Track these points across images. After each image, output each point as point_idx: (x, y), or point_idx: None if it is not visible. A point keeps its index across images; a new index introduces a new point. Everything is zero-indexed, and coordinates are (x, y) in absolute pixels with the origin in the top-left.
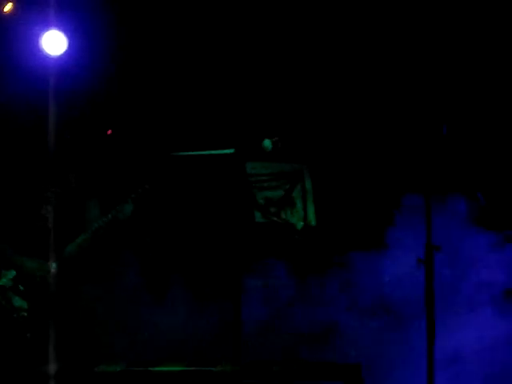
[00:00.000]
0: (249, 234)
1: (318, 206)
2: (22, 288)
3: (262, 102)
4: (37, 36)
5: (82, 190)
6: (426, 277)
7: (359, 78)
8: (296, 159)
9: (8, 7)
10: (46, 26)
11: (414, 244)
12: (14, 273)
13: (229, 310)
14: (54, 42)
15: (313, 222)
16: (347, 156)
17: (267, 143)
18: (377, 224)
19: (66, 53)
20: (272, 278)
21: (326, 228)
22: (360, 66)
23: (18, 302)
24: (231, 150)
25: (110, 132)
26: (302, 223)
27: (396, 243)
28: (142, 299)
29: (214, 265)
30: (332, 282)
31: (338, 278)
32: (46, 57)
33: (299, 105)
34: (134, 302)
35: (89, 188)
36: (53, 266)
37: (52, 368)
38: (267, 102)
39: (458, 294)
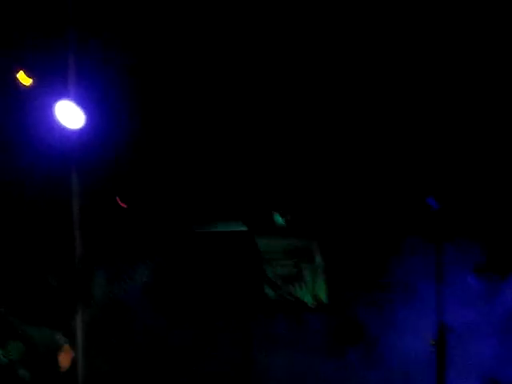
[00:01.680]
0: (259, 308)
1: (329, 282)
2: (26, 359)
3: (273, 176)
4: (53, 109)
5: (90, 259)
6: (438, 359)
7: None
8: (306, 234)
9: (27, 81)
10: (63, 98)
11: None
12: (21, 346)
13: None
14: (71, 115)
15: (324, 300)
16: (354, 232)
17: (278, 218)
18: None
19: (83, 125)
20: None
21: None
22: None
23: (25, 375)
24: (243, 227)
25: (123, 205)
26: (312, 300)
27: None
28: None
29: (222, 338)
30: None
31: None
32: (64, 129)
33: (309, 180)
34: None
35: (97, 256)
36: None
37: None
38: (278, 177)
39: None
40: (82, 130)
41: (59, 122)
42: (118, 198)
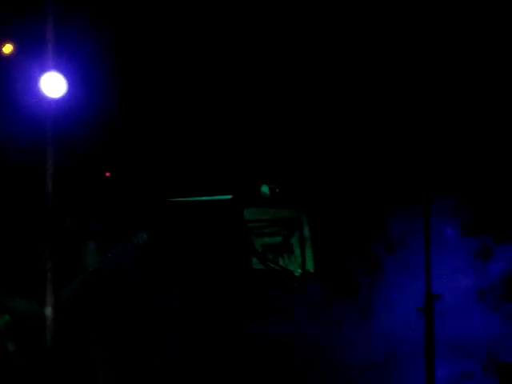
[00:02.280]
0: (246, 279)
1: (316, 252)
2: (15, 332)
3: (260, 148)
4: (36, 78)
5: (80, 233)
6: (427, 328)
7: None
8: (294, 205)
9: (8, 49)
10: (46, 67)
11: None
12: (7, 317)
13: None
14: (53, 84)
15: (311, 269)
16: (343, 200)
17: (265, 189)
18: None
19: (65, 95)
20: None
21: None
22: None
23: (11, 347)
24: (228, 196)
25: (108, 174)
26: (299, 270)
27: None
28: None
29: (211, 310)
30: None
31: None
32: (46, 98)
33: (296, 151)
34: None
35: (87, 231)
36: (48, 310)
37: None
38: (265, 148)
39: None
40: (62, 99)
41: (41, 91)
42: (104, 171)
